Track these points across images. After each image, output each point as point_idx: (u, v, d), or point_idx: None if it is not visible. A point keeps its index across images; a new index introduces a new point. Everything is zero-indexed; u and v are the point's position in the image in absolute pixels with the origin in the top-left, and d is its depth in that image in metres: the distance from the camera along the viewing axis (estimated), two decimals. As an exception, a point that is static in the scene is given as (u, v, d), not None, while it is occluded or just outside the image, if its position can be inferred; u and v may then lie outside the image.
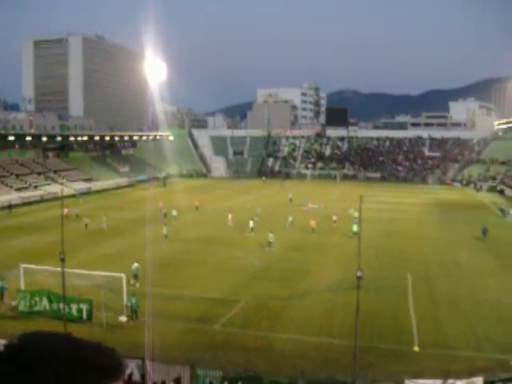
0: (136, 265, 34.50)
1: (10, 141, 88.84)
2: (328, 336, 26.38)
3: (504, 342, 25.74)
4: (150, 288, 29.72)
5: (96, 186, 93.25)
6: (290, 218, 56.00)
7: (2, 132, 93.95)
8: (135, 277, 33.97)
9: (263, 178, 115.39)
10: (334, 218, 56.86)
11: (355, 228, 48.23)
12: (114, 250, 45.38)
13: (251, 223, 52.72)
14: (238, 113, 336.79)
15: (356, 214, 57.14)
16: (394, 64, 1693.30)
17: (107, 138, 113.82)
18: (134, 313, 28.12)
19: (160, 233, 48.71)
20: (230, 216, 56.91)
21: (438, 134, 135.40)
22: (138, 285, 33.33)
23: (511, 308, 30.23)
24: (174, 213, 59.44)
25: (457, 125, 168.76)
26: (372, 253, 42.73)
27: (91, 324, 27.21)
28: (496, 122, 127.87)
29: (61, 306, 26.92)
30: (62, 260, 24.50)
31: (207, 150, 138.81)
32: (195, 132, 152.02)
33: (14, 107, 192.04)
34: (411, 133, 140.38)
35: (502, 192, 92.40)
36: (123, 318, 28.04)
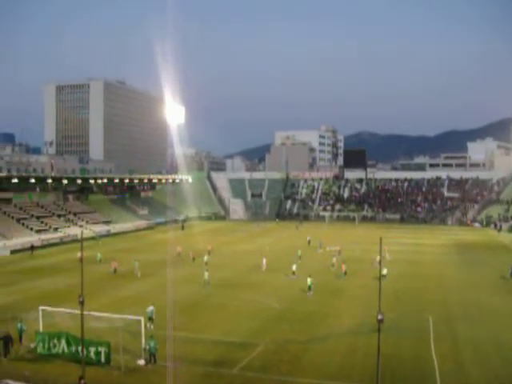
0: (151, 308, 34.39)
1: (32, 183, 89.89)
2: (348, 379, 25.93)
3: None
4: (170, 331, 29.65)
5: (115, 228, 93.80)
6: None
7: (24, 174, 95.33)
8: (150, 319, 33.83)
9: (276, 220, 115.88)
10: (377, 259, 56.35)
11: (385, 271, 48.82)
12: (133, 292, 45.34)
13: (294, 266, 52.28)
14: (256, 155, 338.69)
15: (388, 257, 57.29)
16: (410, 105, 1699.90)
17: (127, 181, 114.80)
18: (152, 356, 27.83)
19: (182, 275, 48.61)
20: (264, 260, 56.74)
21: (456, 174, 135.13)
22: (152, 327, 33.20)
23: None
24: (206, 258, 58.85)
25: (475, 165, 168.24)
26: (392, 295, 42.34)
27: (109, 367, 27.03)
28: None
29: (79, 348, 26.81)
30: (81, 302, 24.50)
31: (226, 192, 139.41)
32: (214, 175, 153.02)
33: (36, 150, 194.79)
34: (430, 174, 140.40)
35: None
36: (141, 362, 27.79)
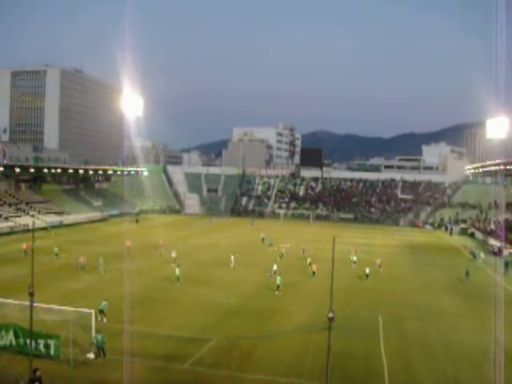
0: (104, 303, 34.17)
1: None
2: (299, 377, 26.16)
3: (472, 383, 25.90)
4: (121, 325, 29.41)
5: (68, 219, 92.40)
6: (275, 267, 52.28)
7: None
8: (101, 312, 33.50)
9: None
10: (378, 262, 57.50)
11: (367, 270, 51.28)
12: (85, 284, 44.79)
13: (275, 266, 51.56)
14: (213, 150, 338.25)
15: (355, 259, 57.81)
16: (368, 106, 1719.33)
17: (81, 172, 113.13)
18: (100, 350, 27.50)
19: (135, 269, 48.16)
20: (232, 257, 56.26)
21: (410, 176, 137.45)
22: (105, 320, 33.03)
23: (479, 349, 30.38)
24: (174, 254, 57.00)
25: (429, 168, 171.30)
26: (344, 294, 42.81)
27: (59, 360, 26.67)
28: (467, 167, 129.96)
29: (28, 341, 26.35)
30: (31, 294, 24.06)
31: (181, 186, 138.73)
32: (170, 168, 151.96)
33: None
34: (384, 175, 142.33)
35: (472, 235, 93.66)
36: (91, 355, 27.50)
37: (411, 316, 38.37)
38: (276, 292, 43.98)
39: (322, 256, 57.80)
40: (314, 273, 50.78)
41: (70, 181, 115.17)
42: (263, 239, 74.72)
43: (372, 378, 26.43)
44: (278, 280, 44.62)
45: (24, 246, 57.97)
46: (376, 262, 57.03)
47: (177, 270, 46.58)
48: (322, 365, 23.69)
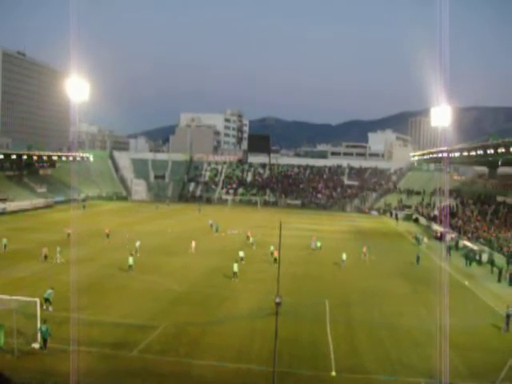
0: (50, 291, 33.56)
1: None
2: (247, 362, 26.37)
3: (416, 365, 26.65)
4: (67, 313, 29.00)
5: (11, 206, 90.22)
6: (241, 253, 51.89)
7: None
8: (47, 301, 32.94)
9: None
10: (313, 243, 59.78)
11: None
12: (28, 273, 43.91)
13: (241, 253, 51.23)
14: (160, 136, 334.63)
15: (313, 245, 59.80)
16: (315, 93, 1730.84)
17: (25, 157, 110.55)
18: (44, 341, 27.03)
19: (80, 256, 47.45)
20: (193, 243, 56.33)
21: (356, 163, 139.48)
22: (50, 309, 32.50)
23: (423, 333, 31.20)
24: (138, 243, 54.81)
25: (375, 155, 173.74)
26: (291, 280, 43.23)
27: (2, 351, 26.15)
28: (411, 154, 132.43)
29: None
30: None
31: (128, 172, 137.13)
32: (116, 154, 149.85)
33: None
34: (331, 161, 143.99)
35: (416, 220, 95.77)
36: (36, 345, 27.05)
37: (358, 301, 39.04)
38: (233, 279, 43.83)
39: (269, 242, 58.21)
40: (275, 260, 48.29)
41: (13, 167, 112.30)
42: (211, 225, 74.59)
43: (319, 361, 26.82)
44: (235, 267, 44.32)
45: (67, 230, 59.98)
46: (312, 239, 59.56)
47: (130, 259, 45.79)
48: (270, 350, 23.91)
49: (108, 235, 61.16)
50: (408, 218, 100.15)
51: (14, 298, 29.17)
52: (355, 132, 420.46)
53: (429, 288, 40.11)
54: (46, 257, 48.74)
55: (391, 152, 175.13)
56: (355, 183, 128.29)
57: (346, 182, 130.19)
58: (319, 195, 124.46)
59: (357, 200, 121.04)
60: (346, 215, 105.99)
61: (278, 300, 22.66)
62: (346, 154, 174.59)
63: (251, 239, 60.41)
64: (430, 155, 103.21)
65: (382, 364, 26.82)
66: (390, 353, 28.36)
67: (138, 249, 53.69)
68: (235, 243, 61.50)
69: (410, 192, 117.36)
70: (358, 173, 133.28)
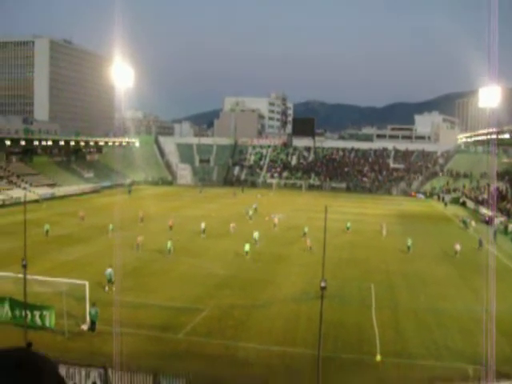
0: (109, 270, 34.40)
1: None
2: (291, 345, 26.43)
3: (462, 350, 26.26)
4: (115, 296, 29.50)
5: (60, 191, 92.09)
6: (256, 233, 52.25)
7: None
8: (109, 282, 33.90)
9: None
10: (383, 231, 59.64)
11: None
12: (76, 256, 44.81)
13: (256, 234, 51.82)
14: (204, 121, 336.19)
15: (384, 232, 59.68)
16: (360, 76, 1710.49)
17: (72, 143, 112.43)
18: (93, 323, 27.61)
19: (125, 240, 48.07)
20: (232, 225, 57.68)
21: (402, 146, 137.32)
22: (114, 288, 33.28)
23: (469, 318, 30.73)
24: (203, 225, 56.15)
25: (421, 138, 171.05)
26: (336, 263, 43.08)
27: (53, 332, 26.82)
28: (459, 136, 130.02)
29: (22, 313, 26.46)
30: (24, 266, 24.10)
31: (173, 157, 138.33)
32: (161, 139, 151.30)
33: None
34: (377, 144, 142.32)
35: (463, 204, 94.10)
36: (85, 327, 27.66)
37: (403, 285, 38.70)
38: (247, 258, 45.17)
39: (315, 225, 58.03)
40: (310, 248, 48.15)
41: (61, 153, 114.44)
42: (255, 209, 74.62)
43: (364, 346, 26.70)
44: (247, 247, 45.69)
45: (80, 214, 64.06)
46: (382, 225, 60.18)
47: (169, 243, 46.15)
48: (315, 333, 23.86)
49: (171, 227, 57.98)
50: (455, 201, 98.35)
51: (63, 280, 29.85)
52: (401, 114, 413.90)
53: (475, 272, 39.40)
54: (140, 246, 47.79)
55: (438, 134, 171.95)
56: (401, 166, 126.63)
57: (392, 165, 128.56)
58: (364, 178, 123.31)
59: (403, 183, 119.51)
60: (391, 198, 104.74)
61: (323, 284, 22.58)
62: (391, 136, 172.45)
63: (305, 229, 58.04)
64: (478, 137, 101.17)
65: (428, 349, 26.51)
66: (435, 338, 28.00)
67: (204, 229, 55.83)
68: (277, 228, 61.45)
69: (457, 175, 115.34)
70: (403, 156, 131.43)
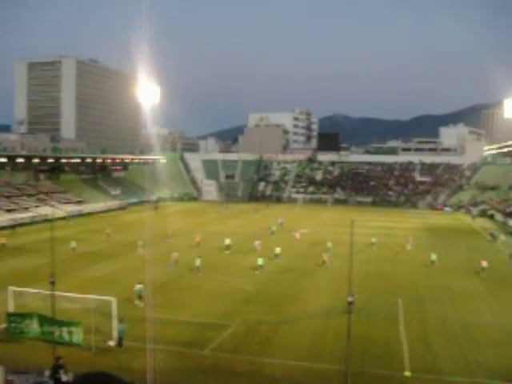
0: (139, 286, 34.97)
1: (1, 162, 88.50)
2: (319, 361, 26.23)
3: (493, 366, 25.77)
4: (143, 312, 29.59)
5: (87, 208, 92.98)
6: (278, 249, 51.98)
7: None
8: (139, 298, 34.56)
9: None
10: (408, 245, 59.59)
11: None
12: (104, 273, 45.11)
13: (278, 249, 51.47)
14: (229, 137, 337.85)
15: (409, 246, 59.33)
16: (385, 89, 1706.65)
17: (99, 161, 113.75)
18: (120, 339, 27.75)
19: (153, 256, 48.30)
20: (257, 242, 57.04)
21: (428, 159, 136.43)
22: (142, 304, 33.84)
23: (499, 332, 30.26)
24: (228, 241, 56.44)
25: (447, 150, 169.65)
26: (363, 277, 42.78)
27: (80, 348, 26.98)
28: (485, 148, 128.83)
29: (51, 329, 26.71)
30: (52, 283, 24.33)
31: (199, 173, 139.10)
32: (187, 155, 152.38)
33: (5, 129, 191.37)
34: (402, 158, 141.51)
35: (491, 217, 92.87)
36: (112, 343, 27.79)
37: (431, 298, 38.22)
38: (257, 272, 45.19)
39: (340, 239, 57.81)
40: (323, 262, 48.66)
41: (88, 170, 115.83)
42: (281, 224, 74.56)
43: (392, 361, 26.39)
44: (260, 261, 45.87)
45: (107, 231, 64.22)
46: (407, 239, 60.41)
47: (197, 261, 45.71)
48: (342, 349, 23.72)
49: (198, 244, 58.49)
50: (483, 213, 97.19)
51: (91, 297, 30.06)
52: (426, 127, 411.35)
53: (504, 285, 38.83)
54: (176, 262, 48.00)
55: (464, 146, 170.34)
56: (427, 179, 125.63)
57: (418, 178, 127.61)
58: (390, 192, 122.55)
59: (429, 196, 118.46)
60: (417, 212, 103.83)
61: (350, 299, 22.43)
62: (417, 149, 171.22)
63: (329, 244, 57.78)
64: (505, 148, 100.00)
65: (458, 364, 26.08)
66: (465, 353, 27.53)
67: (229, 245, 55.96)
68: (302, 243, 61.32)
69: (484, 187, 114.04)
70: (429, 169, 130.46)
